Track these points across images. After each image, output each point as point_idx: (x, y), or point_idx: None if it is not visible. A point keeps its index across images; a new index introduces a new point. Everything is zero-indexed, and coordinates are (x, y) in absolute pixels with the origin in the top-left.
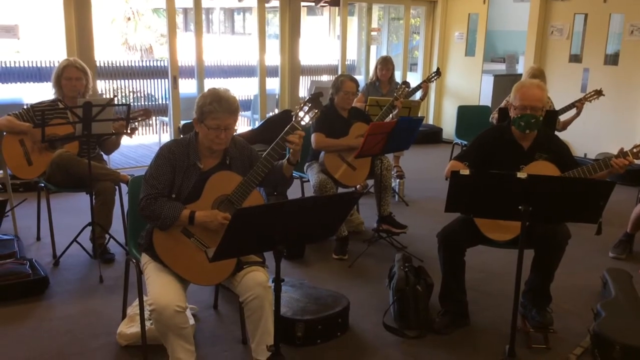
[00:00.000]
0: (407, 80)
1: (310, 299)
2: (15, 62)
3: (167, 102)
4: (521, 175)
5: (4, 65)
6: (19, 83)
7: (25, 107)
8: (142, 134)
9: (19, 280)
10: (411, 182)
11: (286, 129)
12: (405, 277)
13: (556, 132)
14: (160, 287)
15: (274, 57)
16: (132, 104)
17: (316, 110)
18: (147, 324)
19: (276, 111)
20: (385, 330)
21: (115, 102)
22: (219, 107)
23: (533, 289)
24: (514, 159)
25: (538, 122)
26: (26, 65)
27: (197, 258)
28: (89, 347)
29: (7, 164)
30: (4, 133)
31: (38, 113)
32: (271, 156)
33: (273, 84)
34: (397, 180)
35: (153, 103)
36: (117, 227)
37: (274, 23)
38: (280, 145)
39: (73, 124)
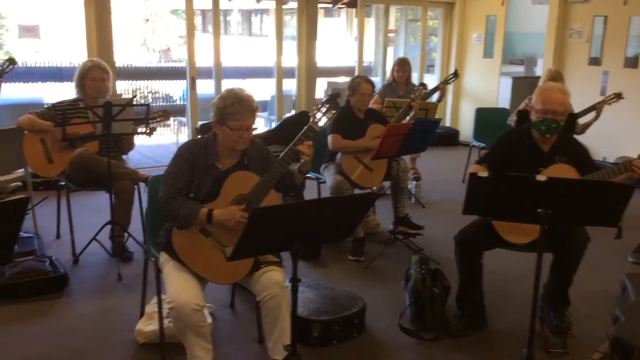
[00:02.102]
0: (424, 82)
1: (327, 300)
2: (36, 62)
3: (185, 102)
4: (541, 177)
5: (25, 65)
6: (39, 83)
7: (46, 106)
8: (160, 134)
9: (39, 278)
10: (428, 184)
11: (303, 130)
12: (422, 279)
13: (575, 135)
14: (178, 286)
15: (291, 59)
16: (150, 104)
17: (333, 112)
18: (166, 322)
19: (293, 112)
20: (401, 332)
21: (135, 103)
22: (240, 107)
23: (551, 293)
24: (533, 161)
25: (559, 127)
26: (47, 65)
27: (215, 257)
28: (107, 344)
29: (28, 162)
30: (25, 132)
31: (59, 112)
32: (288, 157)
33: (290, 85)
34: (414, 182)
35: (171, 104)
36: (135, 226)
37: (291, 25)
38: (297, 148)
39: (93, 123)
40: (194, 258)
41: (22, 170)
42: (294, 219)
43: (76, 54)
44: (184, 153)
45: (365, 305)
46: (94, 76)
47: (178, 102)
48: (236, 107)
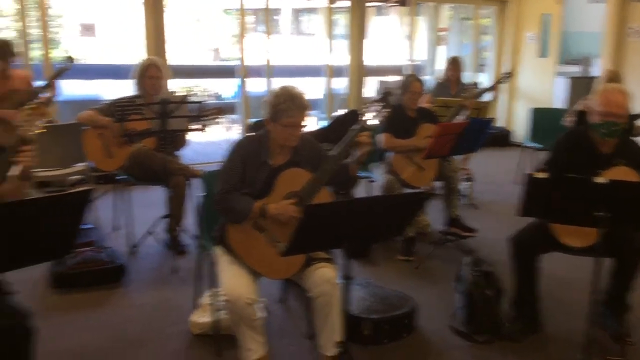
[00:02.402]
0: (477, 81)
1: (377, 299)
2: (93, 60)
3: (236, 100)
4: (602, 180)
5: (83, 63)
6: (97, 80)
7: (106, 102)
8: (212, 132)
9: (97, 268)
10: (480, 185)
11: (354, 128)
12: (475, 281)
13: (633, 138)
14: (233, 279)
15: (340, 58)
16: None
17: (385, 110)
18: (220, 314)
19: (342, 111)
20: (452, 333)
21: (190, 100)
22: (292, 105)
23: (610, 298)
24: (591, 164)
25: (620, 130)
26: (104, 63)
27: (268, 252)
28: (163, 334)
29: (89, 156)
30: (85, 127)
31: (118, 109)
32: (340, 155)
33: (339, 84)
34: (466, 183)
35: (221, 102)
36: (190, 220)
37: (340, 23)
38: (349, 144)
39: (151, 119)
40: (248, 252)
41: (82, 164)
42: (345, 216)
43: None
44: (238, 150)
45: (416, 305)
46: (152, 74)
47: (229, 100)
48: (288, 105)
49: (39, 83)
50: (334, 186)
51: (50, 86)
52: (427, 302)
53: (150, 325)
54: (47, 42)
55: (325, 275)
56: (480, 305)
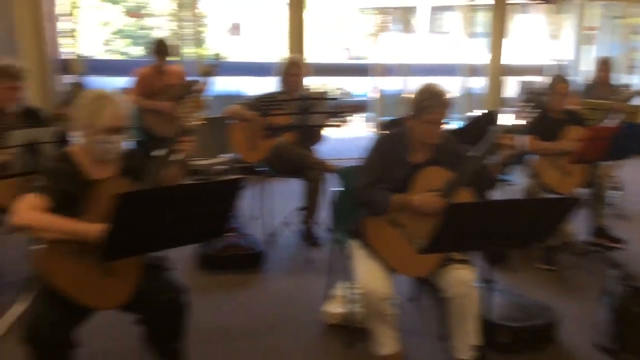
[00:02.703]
0: (628, 83)
1: (517, 306)
2: (237, 58)
3: (368, 99)
4: None
5: (228, 60)
6: (240, 77)
7: (251, 98)
8: (345, 129)
9: (241, 253)
10: (630, 195)
11: (495, 129)
12: (625, 296)
13: None
14: (368, 273)
15: (478, 56)
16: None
17: (532, 112)
18: (353, 306)
19: (478, 112)
20: (596, 349)
21: (328, 97)
22: (435, 101)
23: None
24: None
25: None
26: (247, 61)
27: (404, 249)
28: (297, 321)
29: (235, 148)
30: (231, 120)
31: (263, 104)
32: (482, 156)
33: (476, 84)
34: (614, 192)
35: (355, 100)
36: (324, 213)
37: (479, 22)
38: (490, 146)
39: (292, 114)
40: (385, 248)
41: (226, 155)
42: (488, 218)
43: (273, 51)
44: (378, 146)
45: (557, 316)
46: (293, 72)
47: (360, 98)
48: (430, 101)
49: (190, 78)
50: (472, 187)
51: (202, 82)
52: (569, 315)
53: (285, 311)
54: (199, 41)
55: (462, 277)
56: (629, 322)
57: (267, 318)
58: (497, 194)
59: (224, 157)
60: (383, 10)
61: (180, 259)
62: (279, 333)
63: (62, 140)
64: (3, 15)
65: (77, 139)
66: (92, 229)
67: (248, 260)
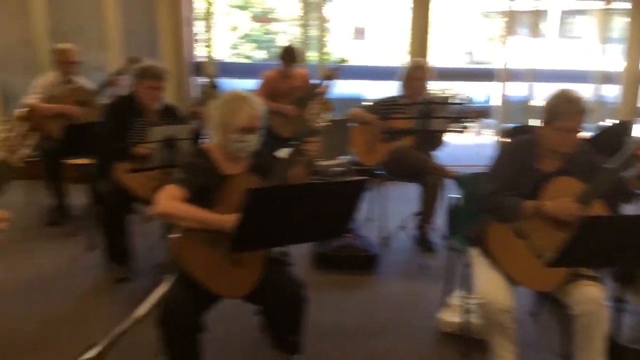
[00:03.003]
0: None
1: None
2: (359, 62)
3: (489, 104)
4: None
5: (351, 64)
6: (362, 80)
7: (373, 101)
8: (465, 135)
9: (356, 254)
10: None
11: (633, 139)
12: None
13: None
14: (489, 283)
15: (612, 63)
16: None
17: None
18: (470, 316)
19: (610, 121)
20: None
21: (451, 102)
22: (568, 108)
23: None
24: None
25: None
26: (369, 65)
27: (529, 260)
28: (410, 326)
29: (354, 150)
30: (352, 123)
31: (383, 107)
32: (620, 167)
33: (609, 92)
34: None
35: (479, 105)
36: (440, 220)
37: (614, 27)
38: (627, 158)
39: (412, 119)
40: (508, 258)
41: (344, 157)
42: (623, 232)
43: (395, 55)
44: (507, 152)
45: None
46: (417, 76)
47: (481, 104)
48: (564, 107)
49: (313, 82)
50: (606, 200)
51: (324, 85)
52: None
53: (399, 315)
54: (322, 45)
55: (591, 294)
56: None
57: (381, 321)
58: (631, 209)
59: (342, 159)
60: (510, 14)
61: (297, 257)
62: (392, 336)
63: (197, 137)
64: (146, 19)
65: (211, 136)
66: (225, 219)
67: (363, 262)
